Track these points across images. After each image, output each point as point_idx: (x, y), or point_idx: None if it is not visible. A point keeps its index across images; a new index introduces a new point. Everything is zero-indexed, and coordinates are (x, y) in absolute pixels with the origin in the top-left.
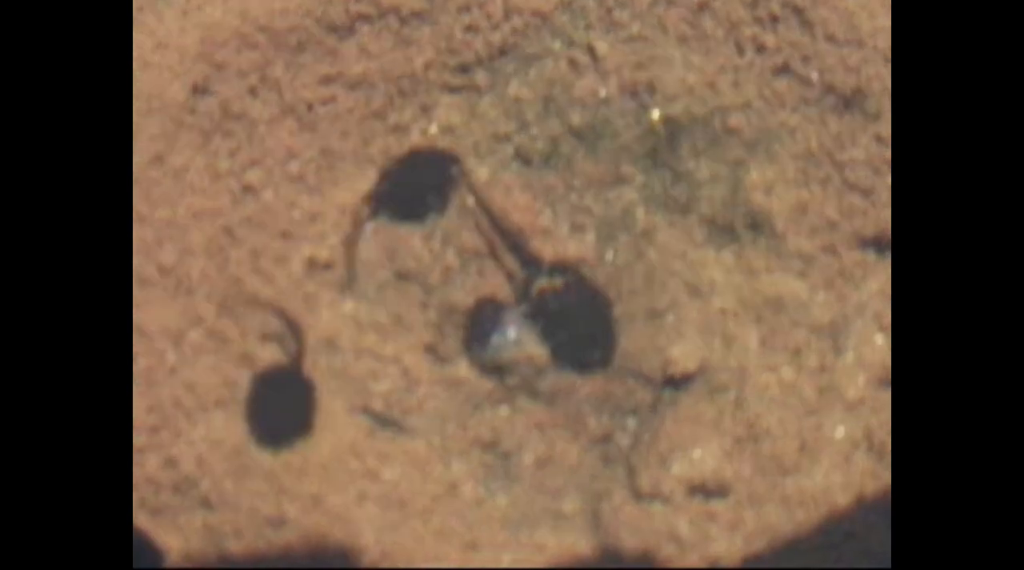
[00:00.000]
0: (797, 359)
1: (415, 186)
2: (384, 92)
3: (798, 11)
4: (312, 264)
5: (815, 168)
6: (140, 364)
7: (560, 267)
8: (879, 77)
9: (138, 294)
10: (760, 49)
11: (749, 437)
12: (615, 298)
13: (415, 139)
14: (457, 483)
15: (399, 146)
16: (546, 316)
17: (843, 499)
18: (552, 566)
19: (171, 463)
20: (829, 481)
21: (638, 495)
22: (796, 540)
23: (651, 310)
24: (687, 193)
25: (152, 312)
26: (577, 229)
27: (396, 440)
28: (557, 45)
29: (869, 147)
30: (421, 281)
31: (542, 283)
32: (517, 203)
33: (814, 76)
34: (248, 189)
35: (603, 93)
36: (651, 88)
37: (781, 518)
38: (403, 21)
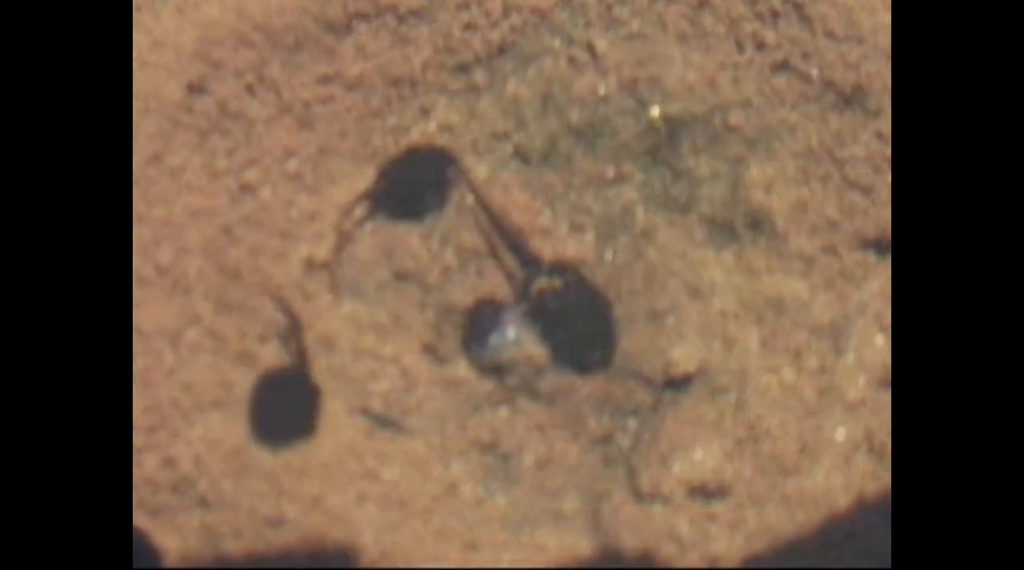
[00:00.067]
0: (798, 360)
1: (413, 185)
2: (382, 91)
3: (798, 7)
4: (310, 263)
5: (815, 165)
6: (137, 364)
7: (559, 267)
8: (879, 74)
9: (135, 293)
10: (760, 46)
11: (750, 438)
12: (615, 298)
13: (413, 138)
14: (457, 483)
15: (397, 145)
16: (546, 316)
17: (843, 500)
18: (552, 566)
19: (169, 463)
20: (829, 482)
21: (638, 496)
22: (796, 541)
23: (651, 311)
24: (687, 192)
25: (149, 312)
26: (576, 229)
27: (395, 440)
28: (556, 43)
29: (870, 144)
30: (419, 281)
31: (541, 283)
32: (516, 202)
33: (814, 73)
34: (246, 188)
35: (602, 91)
36: (651, 86)
37: (781, 519)
38: (401, 19)
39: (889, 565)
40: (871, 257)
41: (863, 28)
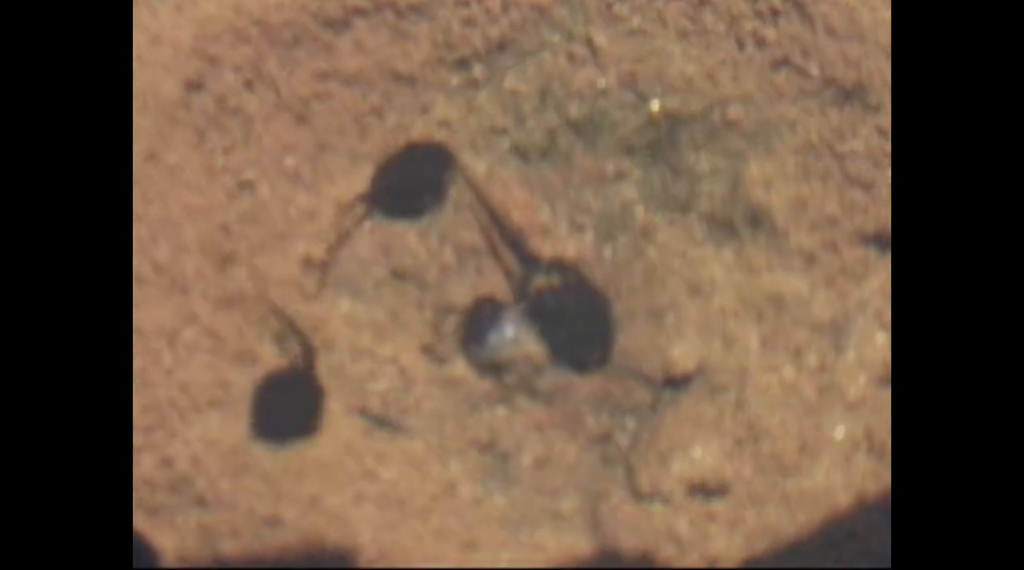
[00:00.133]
0: (798, 358)
1: (411, 182)
2: (380, 87)
3: (799, 6)
4: (308, 261)
5: (815, 161)
6: (135, 363)
7: (559, 265)
8: (880, 71)
9: (133, 292)
10: (760, 43)
11: (749, 437)
12: (614, 296)
13: (411, 134)
14: (455, 483)
15: (395, 142)
16: (545, 315)
17: (843, 499)
18: (551, 566)
19: (166, 463)
20: (829, 481)
21: (637, 495)
22: (796, 540)
23: (651, 309)
24: (687, 189)
25: (147, 310)
26: (576, 226)
27: (393, 440)
28: (556, 39)
29: (870, 140)
30: (417, 279)
31: (540, 281)
32: (515, 199)
33: (814, 70)
34: (243, 185)
35: (602, 85)
36: (650, 81)
37: (781, 518)
38: (400, 15)
39: (889, 565)
40: (871, 254)
41: (863, 25)
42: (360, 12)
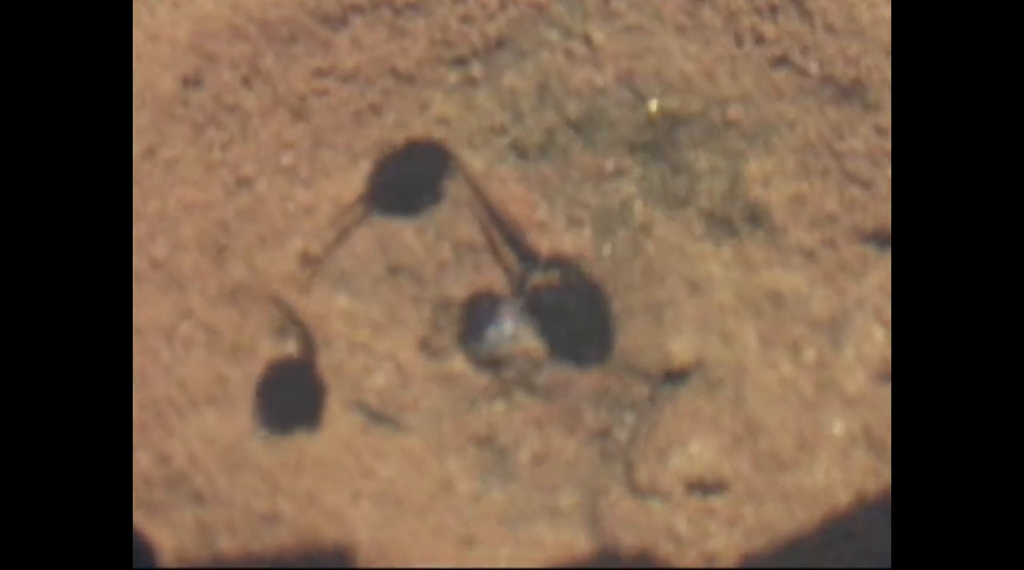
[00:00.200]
0: (796, 354)
1: (409, 179)
2: (378, 84)
3: (797, 1)
4: (305, 257)
5: (814, 159)
6: (133, 360)
7: (557, 261)
8: (878, 69)
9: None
10: (759, 40)
11: (747, 433)
12: (613, 292)
13: (409, 131)
14: (453, 479)
15: (393, 138)
16: (543, 310)
17: (842, 496)
18: (549, 565)
19: (164, 459)
20: (828, 478)
21: (636, 491)
22: (795, 538)
23: (649, 305)
24: (685, 186)
25: (144, 307)
26: (574, 223)
27: (391, 437)
28: (554, 36)
29: (868, 138)
30: (415, 275)
31: (538, 277)
32: (513, 195)
33: (813, 68)
34: (241, 182)
35: (600, 83)
36: (648, 80)
37: (780, 515)
38: (397, 12)
39: (889, 565)
40: (870, 251)
41: (863, 22)
42: (357, 9)
